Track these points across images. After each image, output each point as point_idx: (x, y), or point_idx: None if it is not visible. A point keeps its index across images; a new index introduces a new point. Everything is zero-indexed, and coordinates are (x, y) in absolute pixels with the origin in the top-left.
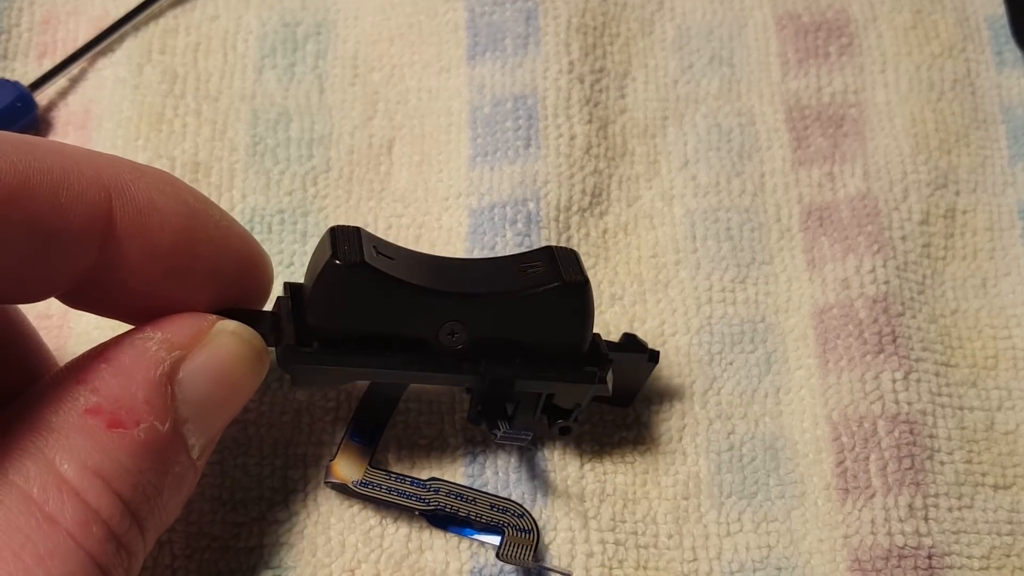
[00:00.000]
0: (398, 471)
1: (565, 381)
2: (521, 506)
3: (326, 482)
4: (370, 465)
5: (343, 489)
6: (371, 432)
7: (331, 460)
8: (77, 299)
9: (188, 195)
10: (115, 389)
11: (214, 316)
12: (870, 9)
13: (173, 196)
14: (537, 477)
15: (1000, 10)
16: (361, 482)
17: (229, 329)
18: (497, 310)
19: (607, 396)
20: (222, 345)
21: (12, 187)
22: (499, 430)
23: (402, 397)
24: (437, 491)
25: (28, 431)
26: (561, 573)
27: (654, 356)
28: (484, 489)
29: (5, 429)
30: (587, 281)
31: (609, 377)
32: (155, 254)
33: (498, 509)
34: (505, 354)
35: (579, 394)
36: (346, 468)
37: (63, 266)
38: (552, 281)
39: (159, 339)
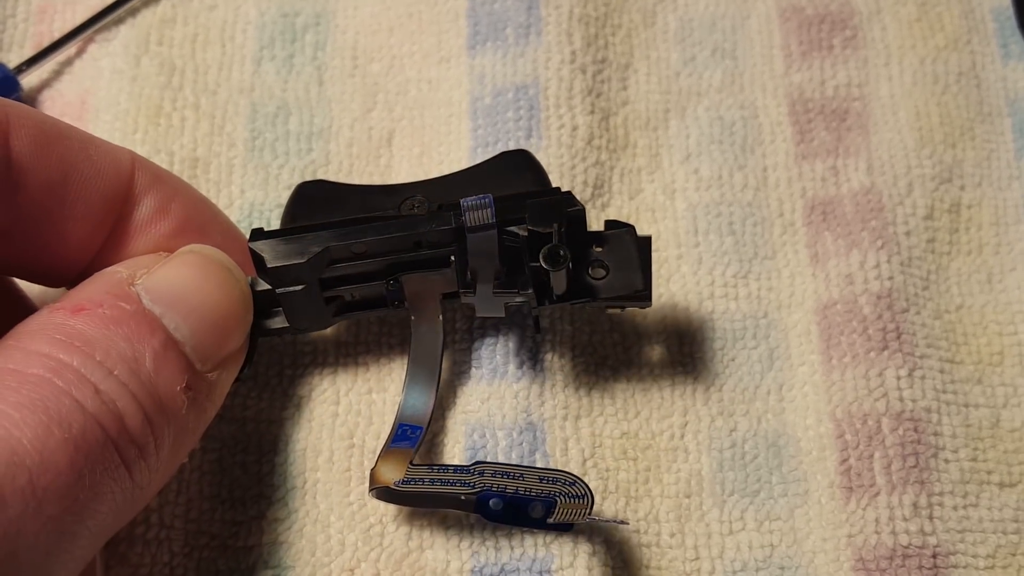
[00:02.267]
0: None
1: (530, 193)
2: (572, 475)
3: (370, 491)
4: (411, 464)
5: (387, 495)
6: (411, 432)
7: (372, 468)
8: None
9: (195, 189)
10: (78, 291)
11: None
12: (874, 1)
13: (182, 182)
14: None
15: (1006, 2)
16: (403, 480)
17: (188, 248)
18: (452, 183)
19: (626, 295)
20: (183, 260)
21: (51, 133)
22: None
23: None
24: (482, 473)
25: (4, 339)
26: (615, 522)
27: (645, 238)
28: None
29: None
30: (527, 151)
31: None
32: (166, 213)
33: (548, 480)
34: None
35: (551, 207)
36: (387, 471)
37: (93, 219)
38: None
39: (118, 264)
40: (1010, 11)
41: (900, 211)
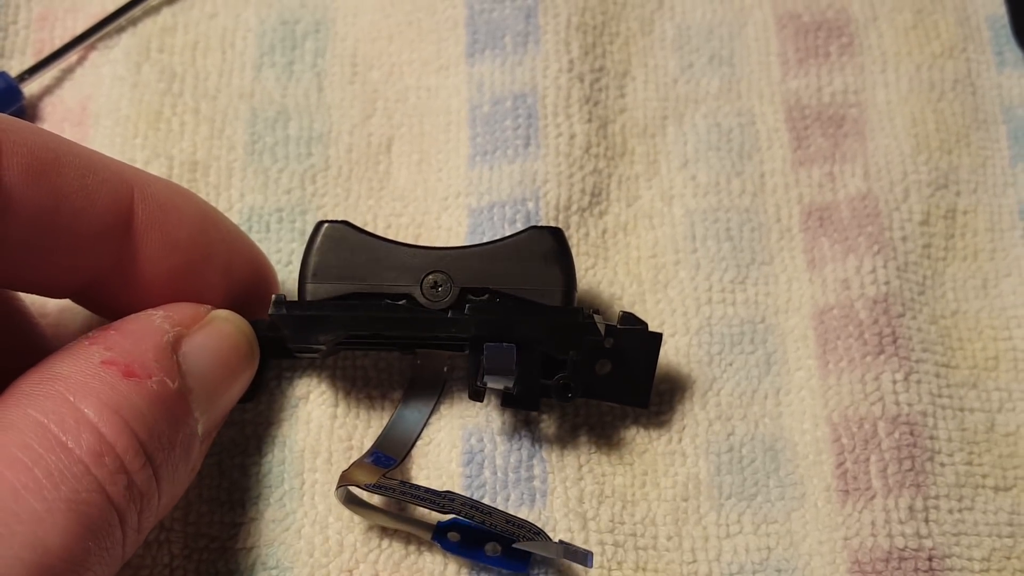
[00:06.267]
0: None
1: (553, 317)
2: (538, 527)
3: (336, 489)
4: (384, 476)
5: (351, 498)
6: (384, 460)
7: (343, 470)
8: (92, 298)
9: (202, 202)
10: (127, 347)
11: (209, 305)
12: (870, 9)
13: (189, 199)
14: (535, 478)
15: (1001, 10)
16: (375, 485)
17: (223, 316)
18: (477, 259)
19: (624, 396)
20: (218, 328)
21: (45, 159)
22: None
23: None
24: (452, 500)
25: (48, 381)
26: (582, 553)
27: (656, 336)
28: (483, 489)
29: (23, 382)
30: (559, 229)
31: (600, 322)
32: (173, 248)
33: (514, 524)
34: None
35: (571, 337)
36: (359, 474)
37: (86, 250)
38: (527, 228)
39: (163, 315)
40: (1005, 19)
41: (896, 216)
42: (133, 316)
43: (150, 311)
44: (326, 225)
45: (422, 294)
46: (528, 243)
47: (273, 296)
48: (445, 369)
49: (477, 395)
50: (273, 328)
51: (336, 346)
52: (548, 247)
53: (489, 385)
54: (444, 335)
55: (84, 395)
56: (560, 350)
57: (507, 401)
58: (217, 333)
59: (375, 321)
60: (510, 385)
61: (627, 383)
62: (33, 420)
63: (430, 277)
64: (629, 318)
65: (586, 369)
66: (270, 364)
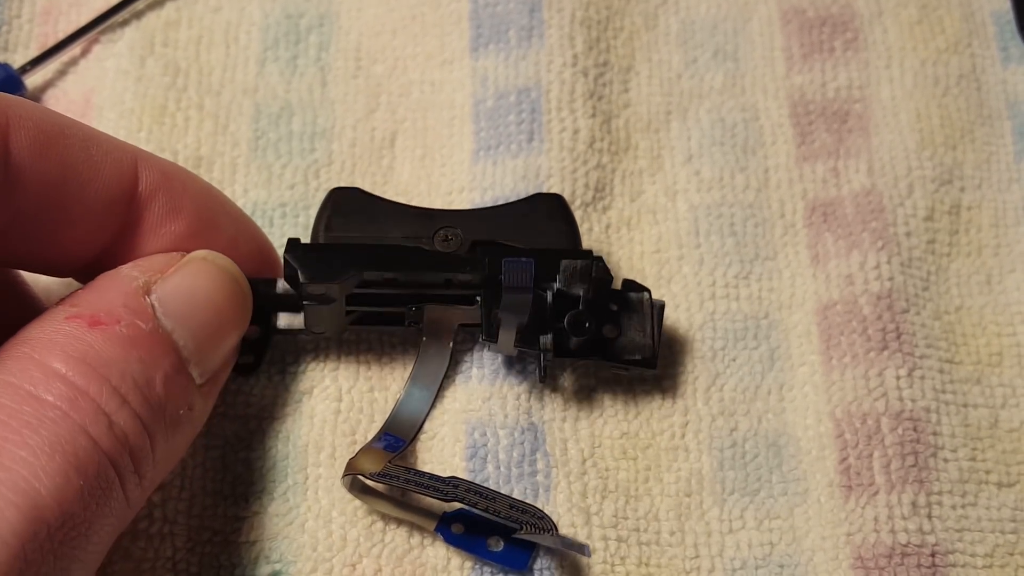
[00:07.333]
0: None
1: (564, 254)
2: (541, 511)
3: (343, 477)
4: (389, 463)
5: (358, 485)
6: (394, 443)
7: (350, 458)
8: (97, 275)
9: (205, 182)
10: (92, 299)
11: (184, 251)
12: (875, 4)
13: (192, 176)
14: (538, 472)
15: (1006, 5)
16: (380, 474)
17: (200, 256)
18: (486, 218)
19: (633, 358)
20: (196, 267)
21: (51, 132)
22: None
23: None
24: (456, 487)
25: (16, 346)
26: (579, 547)
27: (659, 303)
28: (487, 483)
29: None
30: (561, 195)
31: (603, 265)
32: (177, 213)
33: (518, 510)
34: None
35: (582, 271)
36: (365, 462)
37: (93, 222)
38: (532, 194)
39: (132, 265)
40: (1010, 15)
41: (900, 212)
42: (103, 274)
43: (120, 267)
44: (338, 190)
45: (433, 246)
46: (534, 205)
47: (288, 239)
48: (451, 345)
49: (491, 332)
50: (288, 282)
51: (346, 313)
52: (553, 208)
53: (503, 325)
54: (457, 276)
55: (49, 350)
56: (572, 284)
57: (520, 342)
58: (196, 271)
59: (389, 260)
60: (524, 320)
61: (636, 348)
62: (2, 382)
63: (441, 231)
64: (632, 285)
65: (597, 311)
66: (272, 344)
